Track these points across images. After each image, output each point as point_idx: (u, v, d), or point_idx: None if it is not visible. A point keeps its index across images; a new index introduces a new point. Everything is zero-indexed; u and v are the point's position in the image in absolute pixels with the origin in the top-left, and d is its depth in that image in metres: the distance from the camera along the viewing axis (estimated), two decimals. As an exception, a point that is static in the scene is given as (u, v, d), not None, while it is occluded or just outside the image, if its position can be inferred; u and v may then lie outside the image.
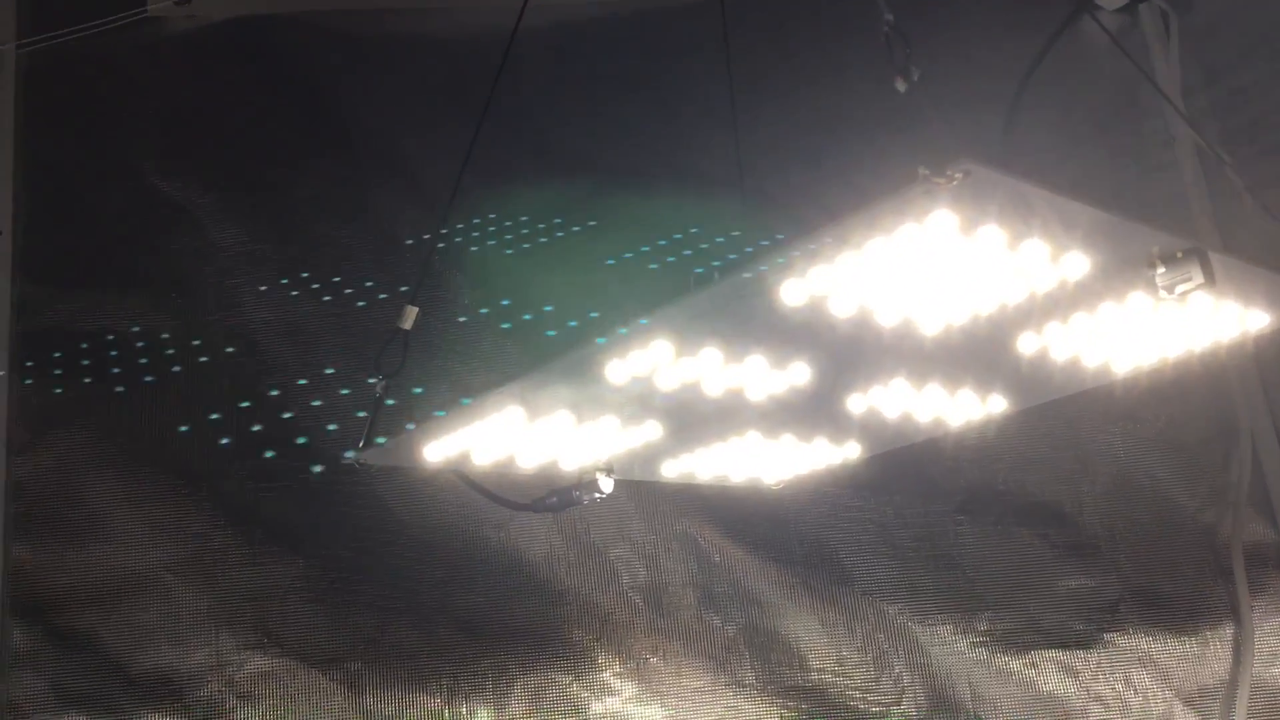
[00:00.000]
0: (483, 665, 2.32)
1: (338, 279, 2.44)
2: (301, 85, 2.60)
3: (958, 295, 1.09)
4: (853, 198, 0.90)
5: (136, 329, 2.37)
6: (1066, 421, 2.61)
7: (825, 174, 2.13)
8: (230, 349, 2.37)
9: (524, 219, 2.49)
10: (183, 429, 2.29)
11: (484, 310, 2.41)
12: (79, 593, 2.23)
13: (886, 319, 1.09)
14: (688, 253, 2.12)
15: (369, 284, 2.43)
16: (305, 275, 2.45)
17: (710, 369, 1.18)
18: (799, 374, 1.25)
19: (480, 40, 2.53)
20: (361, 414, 1.37)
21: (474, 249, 2.48)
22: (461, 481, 1.48)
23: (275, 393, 2.34)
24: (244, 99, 2.57)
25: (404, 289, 2.26)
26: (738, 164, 1.60)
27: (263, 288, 2.42)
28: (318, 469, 1.97)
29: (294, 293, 2.44)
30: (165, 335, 2.37)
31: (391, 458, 1.41)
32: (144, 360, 2.35)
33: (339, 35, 2.63)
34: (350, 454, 1.38)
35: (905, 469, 2.49)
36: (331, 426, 2.26)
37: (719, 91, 1.81)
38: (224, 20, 2.60)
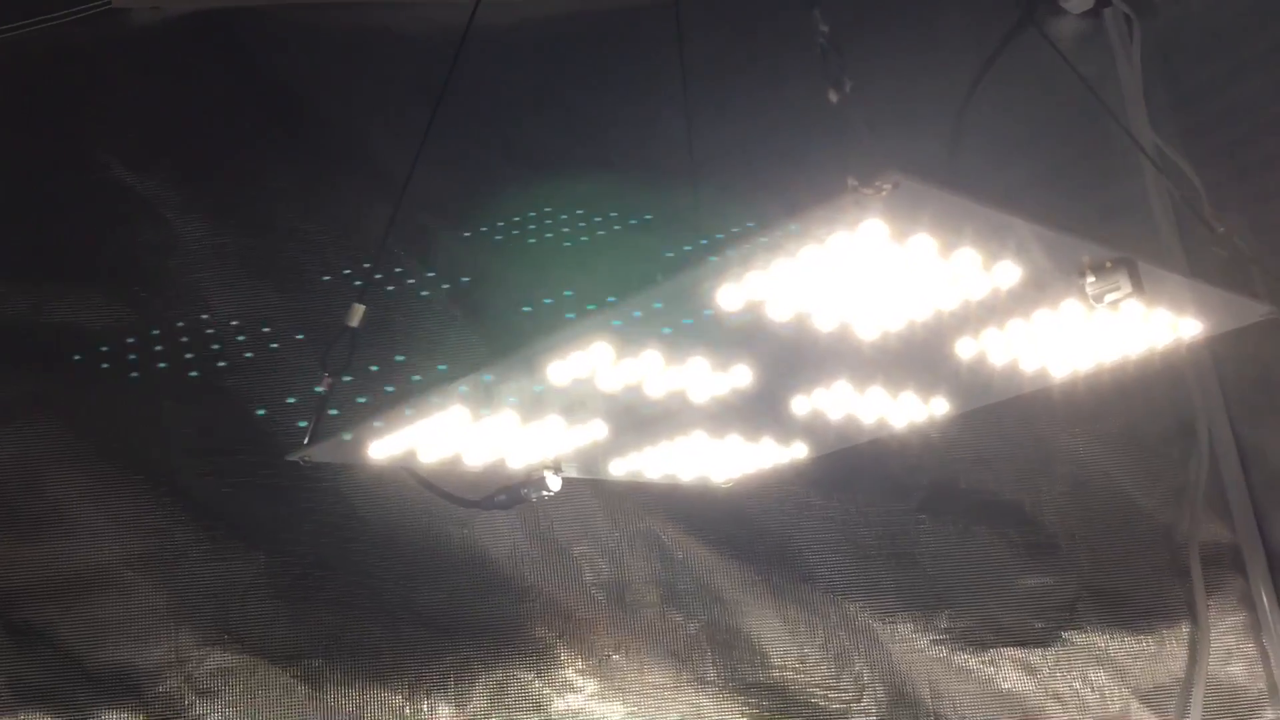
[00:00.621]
0: (445, 662, 2.32)
1: (303, 273, 2.44)
2: (268, 79, 2.59)
3: (893, 302, 1.10)
4: (786, 206, 0.91)
5: (99, 322, 2.35)
6: (1027, 421, 2.64)
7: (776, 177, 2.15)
8: (193, 342, 2.36)
9: (487, 211, 2.50)
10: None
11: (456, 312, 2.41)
12: (36, 587, 2.22)
13: (824, 324, 1.11)
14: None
15: (334, 279, 2.42)
16: (271, 269, 2.44)
17: (652, 371, 1.19)
18: (741, 376, 1.26)
19: (450, 37, 2.53)
20: (303, 424, 1.37)
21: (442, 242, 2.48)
22: (412, 479, 1.49)
23: (248, 377, 2.33)
24: (209, 93, 2.56)
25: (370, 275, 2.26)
26: (690, 165, 1.61)
27: (230, 282, 2.41)
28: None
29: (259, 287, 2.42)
30: (127, 329, 2.35)
31: (336, 455, 1.41)
32: (106, 354, 2.34)
33: (306, 29, 2.62)
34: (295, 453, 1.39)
35: (867, 467, 2.51)
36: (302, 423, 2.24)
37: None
38: (189, 13, 2.58)
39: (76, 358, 2.32)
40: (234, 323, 2.34)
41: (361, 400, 1.40)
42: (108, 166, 2.45)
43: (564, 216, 2.39)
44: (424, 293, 2.37)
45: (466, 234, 2.41)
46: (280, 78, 2.59)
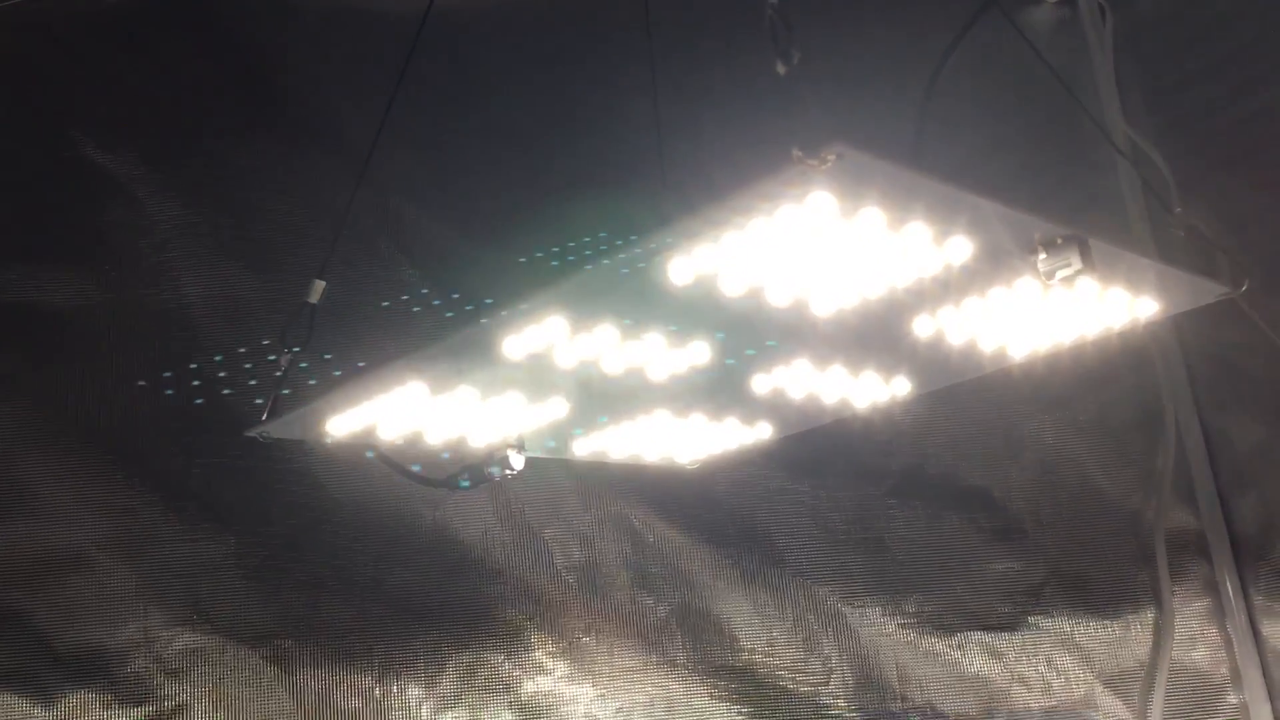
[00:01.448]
0: (415, 644, 2.32)
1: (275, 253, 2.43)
2: (241, 57, 2.57)
3: (845, 276, 1.11)
4: (732, 178, 0.91)
5: (68, 301, 2.34)
6: (997, 407, 2.65)
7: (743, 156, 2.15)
8: (164, 323, 2.35)
9: (464, 193, 2.49)
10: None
11: (423, 291, 2.40)
12: (3, 568, 2.21)
13: (777, 299, 1.11)
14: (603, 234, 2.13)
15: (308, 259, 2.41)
16: (243, 249, 2.43)
17: (608, 346, 1.20)
18: (699, 353, 1.27)
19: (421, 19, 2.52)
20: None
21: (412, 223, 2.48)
22: (376, 458, 1.49)
23: (218, 358, 2.33)
24: (183, 70, 2.53)
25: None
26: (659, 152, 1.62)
27: (201, 262, 2.40)
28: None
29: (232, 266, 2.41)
30: (98, 308, 2.33)
31: (296, 431, 1.41)
32: (75, 333, 2.33)
33: (280, 7, 2.60)
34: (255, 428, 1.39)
35: (838, 452, 2.53)
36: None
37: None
38: (164, -11, 2.56)
39: (46, 337, 2.31)
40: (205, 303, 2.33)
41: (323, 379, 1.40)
42: (79, 144, 2.43)
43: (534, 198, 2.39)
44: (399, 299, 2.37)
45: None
46: (254, 56, 2.58)
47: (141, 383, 2.32)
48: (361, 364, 2.00)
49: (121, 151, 2.43)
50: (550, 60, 2.61)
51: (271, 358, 1.40)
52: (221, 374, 2.35)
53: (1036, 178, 2.58)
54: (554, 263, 2.17)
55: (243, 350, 2.36)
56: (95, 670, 2.20)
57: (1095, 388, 2.64)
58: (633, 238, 0.97)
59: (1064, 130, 2.66)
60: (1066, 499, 2.66)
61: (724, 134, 2.17)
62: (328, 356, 1.40)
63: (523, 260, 2.21)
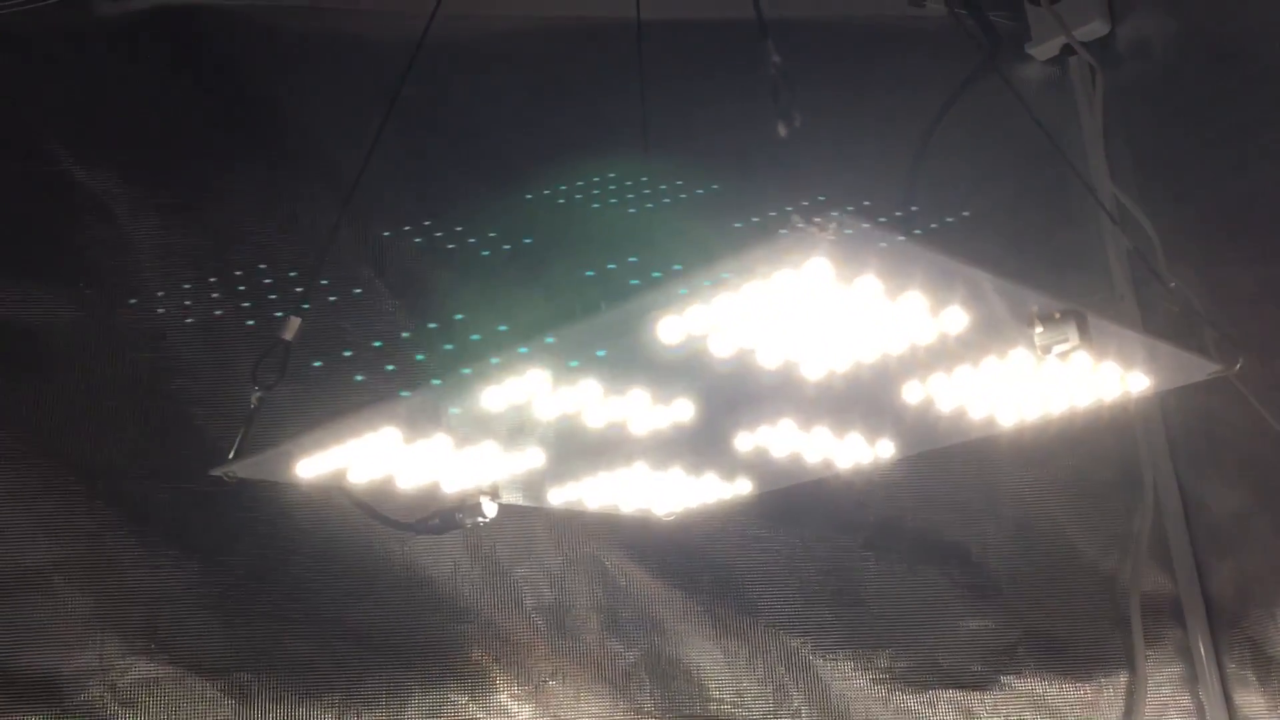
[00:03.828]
0: (377, 681, 2.28)
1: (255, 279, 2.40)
2: (227, 79, 2.55)
3: (839, 342, 1.09)
4: (727, 242, 0.89)
5: (39, 318, 2.30)
6: (976, 463, 2.63)
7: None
8: (137, 344, 2.31)
9: (449, 225, 2.47)
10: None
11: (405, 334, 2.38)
12: (-42, 587, 2.16)
13: (767, 361, 1.09)
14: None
15: (287, 286, 2.38)
16: (220, 272, 2.40)
17: (590, 401, 1.17)
18: (683, 410, 1.24)
19: (410, 47, 2.51)
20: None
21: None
22: (344, 499, 1.46)
23: (189, 382, 2.29)
24: (167, 90, 2.51)
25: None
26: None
27: (179, 283, 2.37)
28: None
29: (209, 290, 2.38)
30: (69, 325, 2.30)
31: (263, 472, 1.37)
32: (45, 351, 2.29)
33: (266, 30, 2.59)
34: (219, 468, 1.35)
35: (815, 502, 2.50)
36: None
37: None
38: (150, 7, 2.53)
39: (15, 354, 2.27)
40: (188, 321, 2.30)
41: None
42: (59, 160, 2.40)
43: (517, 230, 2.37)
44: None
45: (418, 240, 2.38)
46: (239, 79, 2.56)
47: (110, 403, 2.29)
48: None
49: (101, 169, 2.41)
50: (540, 94, 2.60)
51: (252, 389, 1.37)
52: (192, 398, 2.32)
53: (1018, 239, 2.57)
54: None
55: (215, 375, 2.33)
56: (48, 695, 2.16)
57: (1074, 448, 2.63)
58: (625, 292, 0.94)
59: (1047, 190, 2.66)
60: (1043, 558, 2.65)
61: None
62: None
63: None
